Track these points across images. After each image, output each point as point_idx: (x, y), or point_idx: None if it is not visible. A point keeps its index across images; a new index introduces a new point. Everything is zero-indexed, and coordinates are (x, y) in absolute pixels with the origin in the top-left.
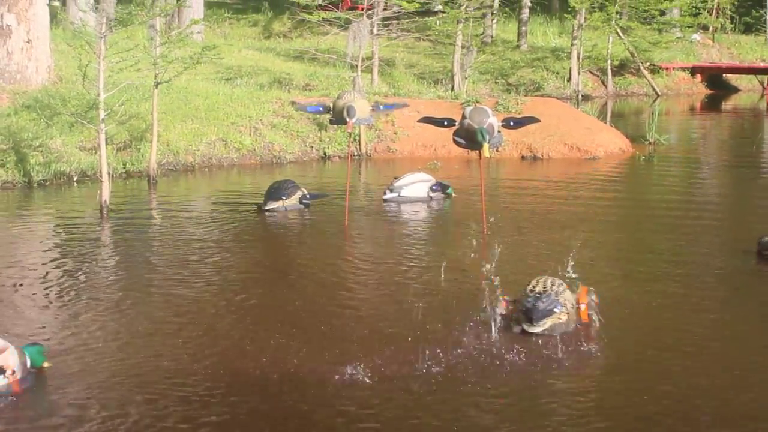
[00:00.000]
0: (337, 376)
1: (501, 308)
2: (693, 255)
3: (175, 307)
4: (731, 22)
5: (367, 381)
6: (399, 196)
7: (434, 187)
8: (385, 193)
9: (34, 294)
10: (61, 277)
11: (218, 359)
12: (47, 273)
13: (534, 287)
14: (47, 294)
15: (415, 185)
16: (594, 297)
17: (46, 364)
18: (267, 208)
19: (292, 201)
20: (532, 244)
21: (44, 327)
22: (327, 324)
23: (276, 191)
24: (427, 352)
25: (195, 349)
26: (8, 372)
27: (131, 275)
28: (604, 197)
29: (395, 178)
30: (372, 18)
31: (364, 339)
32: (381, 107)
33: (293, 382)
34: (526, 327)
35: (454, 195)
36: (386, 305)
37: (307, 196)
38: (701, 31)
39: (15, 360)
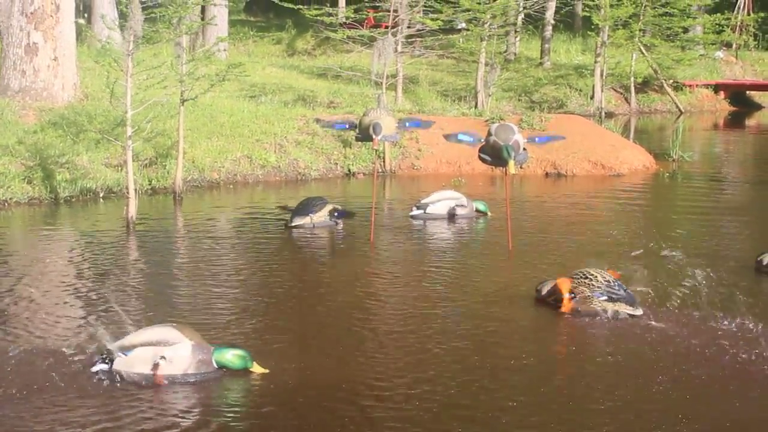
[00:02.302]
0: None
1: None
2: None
3: (206, 324)
4: (754, 39)
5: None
6: (425, 213)
7: (459, 205)
8: (412, 210)
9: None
10: (89, 291)
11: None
12: (71, 287)
13: (606, 278)
14: (70, 310)
15: (441, 203)
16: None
17: (257, 369)
18: (293, 224)
19: (320, 217)
20: (556, 259)
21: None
22: (367, 341)
23: (303, 207)
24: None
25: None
26: (159, 362)
27: (157, 291)
28: (629, 214)
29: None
30: (396, 36)
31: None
32: (407, 124)
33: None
34: (633, 312)
35: (489, 213)
36: (414, 321)
37: (336, 213)
38: (724, 48)
39: (182, 354)
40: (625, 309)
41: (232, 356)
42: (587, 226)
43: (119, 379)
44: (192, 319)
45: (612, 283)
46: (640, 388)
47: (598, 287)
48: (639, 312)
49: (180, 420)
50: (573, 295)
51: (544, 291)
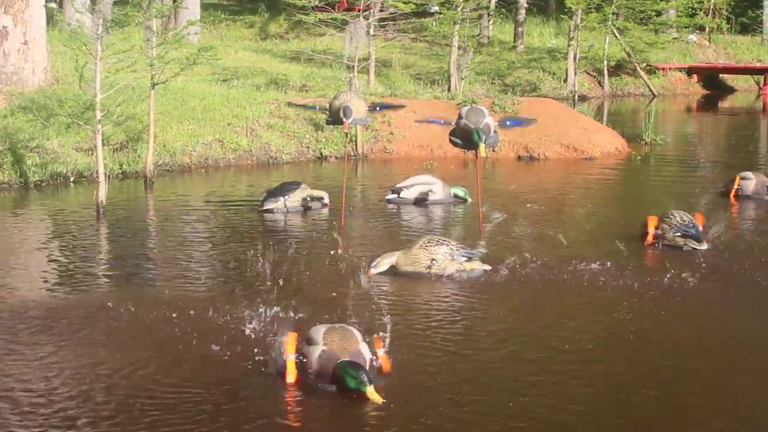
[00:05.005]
0: None
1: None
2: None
3: (174, 309)
4: (727, 23)
5: None
6: (398, 197)
7: (430, 191)
8: (387, 194)
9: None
10: (56, 277)
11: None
12: (39, 273)
13: (453, 243)
14: (37, 301)
15: (415, 187)
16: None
17: (371, 396)
18: (264, 208)
19: (294, 202)
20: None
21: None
22: None
23: (276, 191)
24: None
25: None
26: (288, 360)
27: (127, 277)
28: (598, 197)
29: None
30: (368, 19)
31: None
32: (378, 107)
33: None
34: (485, 267)
35: (470, 199)
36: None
37: (310, 198)
38: (697, 31)
39: (310, 358)
40: (479, 266)
41: (344, 373)
42: (557, 210)
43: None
44: (162, 304)
45: (459, 247)
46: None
47: (459, 249)
48: (488, 267)
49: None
50: (434, 261)
51: (382, 265)
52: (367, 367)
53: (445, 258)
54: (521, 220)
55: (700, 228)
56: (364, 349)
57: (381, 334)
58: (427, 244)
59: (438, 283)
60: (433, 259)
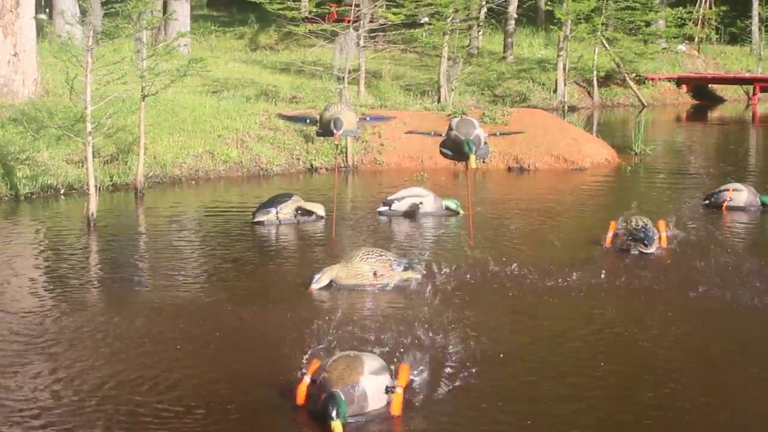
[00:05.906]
0: None
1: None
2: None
3: (166, 322)
4: (716, 33)
5: None
6: (390, 209)
7: (420, 203)
8: (379, 206)
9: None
10: (47, 289)
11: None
12: (29, 286)
13: (391, 256)
14: (33, 311)
15: (406, 200)
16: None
17: (335, 429)
18: (255, 220)
19: (286, 214)
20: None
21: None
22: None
23: (267, 203)
24: None
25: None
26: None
27: (117, 289)
28: (590, 208)
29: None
30: (358, 30)
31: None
32: (368, 119)
33: None
34: (417, 276)
35: (462, 212)
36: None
37: (301, 210)
38: (687, 41)
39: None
40: (415, 275)
41: (322, 404)
42: (547, 221)
43: None
44: (154, 317)
45: (399, 257)
46: None
47: (396, 259)
48: (420, 276)
49: None
50: (377, 273)
51: (324, 280)
52: (368, 402)
53: (386, 269)
54: (506, 230)
55: (651, 233)
56: (366, 381)
57: (411, 365)
58: (367, 256)
59: (419, 294)
60: (375, 271)
